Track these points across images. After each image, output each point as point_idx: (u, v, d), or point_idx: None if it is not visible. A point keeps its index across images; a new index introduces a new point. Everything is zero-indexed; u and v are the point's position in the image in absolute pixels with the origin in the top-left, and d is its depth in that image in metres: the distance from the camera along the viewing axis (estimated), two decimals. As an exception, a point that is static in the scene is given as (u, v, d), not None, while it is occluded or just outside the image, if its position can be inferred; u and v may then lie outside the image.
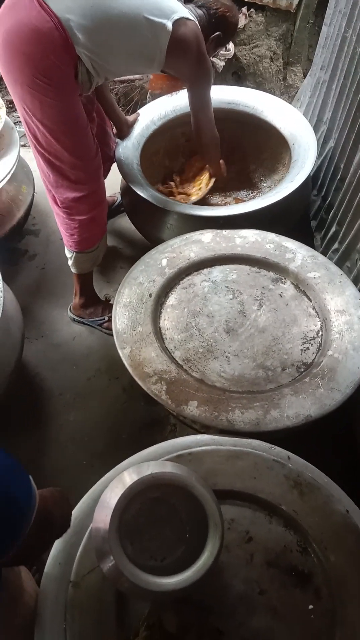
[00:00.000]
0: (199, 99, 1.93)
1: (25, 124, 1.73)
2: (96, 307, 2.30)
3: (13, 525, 0.83)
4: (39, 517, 0.87)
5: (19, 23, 1.52)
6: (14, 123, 2.35)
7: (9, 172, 2.13)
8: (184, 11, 1.71)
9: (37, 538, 0.88)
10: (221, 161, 2.25)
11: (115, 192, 2.59)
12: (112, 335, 2.21)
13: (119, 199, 2.63)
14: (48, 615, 1.12)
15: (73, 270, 2.13)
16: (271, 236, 1.85)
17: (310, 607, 1.13)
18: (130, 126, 2.27)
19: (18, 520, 0.84)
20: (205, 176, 2.32)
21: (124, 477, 1.07)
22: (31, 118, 1.67)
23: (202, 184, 2.31)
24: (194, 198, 2.29)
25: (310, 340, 1.61)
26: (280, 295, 1.73)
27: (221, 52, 3.03)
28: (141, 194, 2.01)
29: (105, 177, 2.10)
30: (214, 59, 3.02)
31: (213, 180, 2.29)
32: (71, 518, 1.05)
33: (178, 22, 1.66)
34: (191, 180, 2.40)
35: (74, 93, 1.67)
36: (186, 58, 1.74)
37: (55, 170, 1.80)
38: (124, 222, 2.63)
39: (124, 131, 2.24)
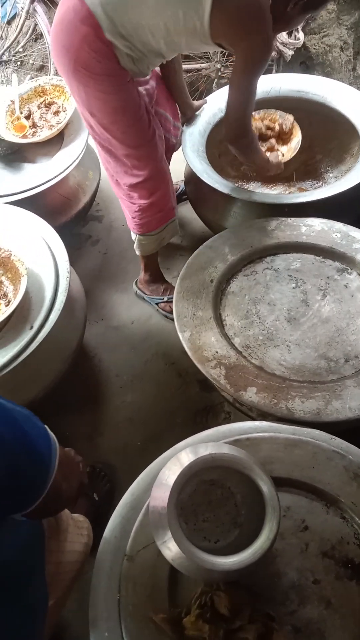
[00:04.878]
0: (238, 80, 1.60)
1: (81, 113, 1.76)
2: (159, 285, 2.34)
3: (38, 473, 0.83)
4: (62, 465, 0.87)
5: (61, 17, 1.55)
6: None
7: (77, 157, 2.17)
8: None
9: (61, 487, 0.90)
10: (274, 159, 2.02)
11: (178, 180, 2.60)
12: (167, 317, 2.26)
13: (182, 186, 2.64)
14: (103, 586, 1.15)
15: (137, 252, 2.17)
16: (338, 225, 1.81)
17: (366, 601, 1.11)
18: (194, 110, 2.25)
19: (43, 467, 0.84)
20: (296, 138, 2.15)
21: (182, 456, 1.08)
22: (82, 108, 1.70)
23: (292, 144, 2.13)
24: (282, 158, 2.10)
25: (375, 333, 1.56)
26: (346, 286, 1.68)
27: (290, 40, 2.96)
28: (207, 181, 2.00)
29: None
30: (282, 48, 2.96)
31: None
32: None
33: None
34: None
35: (119, 80, 1.62)
36: (235, 22, 1.46)
37: (112, 156, 1.82)
38: (185, 210, 2.64)
39: (187, 114, 2.23)
